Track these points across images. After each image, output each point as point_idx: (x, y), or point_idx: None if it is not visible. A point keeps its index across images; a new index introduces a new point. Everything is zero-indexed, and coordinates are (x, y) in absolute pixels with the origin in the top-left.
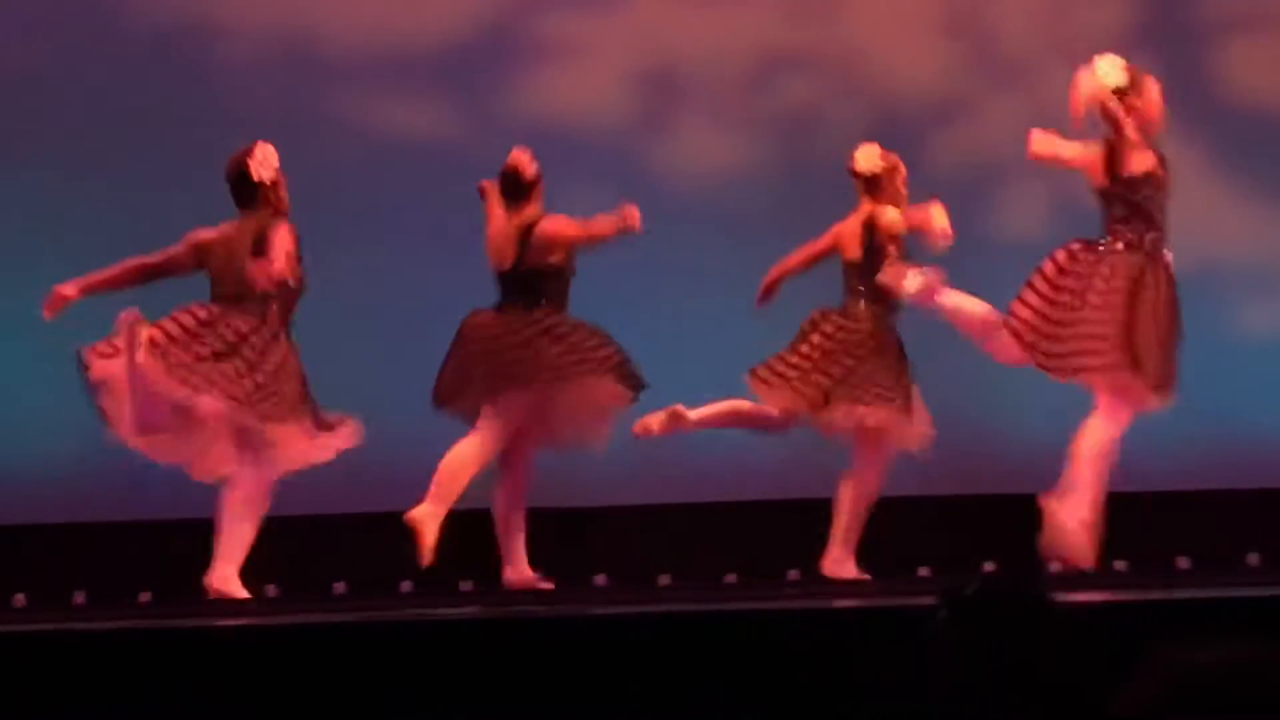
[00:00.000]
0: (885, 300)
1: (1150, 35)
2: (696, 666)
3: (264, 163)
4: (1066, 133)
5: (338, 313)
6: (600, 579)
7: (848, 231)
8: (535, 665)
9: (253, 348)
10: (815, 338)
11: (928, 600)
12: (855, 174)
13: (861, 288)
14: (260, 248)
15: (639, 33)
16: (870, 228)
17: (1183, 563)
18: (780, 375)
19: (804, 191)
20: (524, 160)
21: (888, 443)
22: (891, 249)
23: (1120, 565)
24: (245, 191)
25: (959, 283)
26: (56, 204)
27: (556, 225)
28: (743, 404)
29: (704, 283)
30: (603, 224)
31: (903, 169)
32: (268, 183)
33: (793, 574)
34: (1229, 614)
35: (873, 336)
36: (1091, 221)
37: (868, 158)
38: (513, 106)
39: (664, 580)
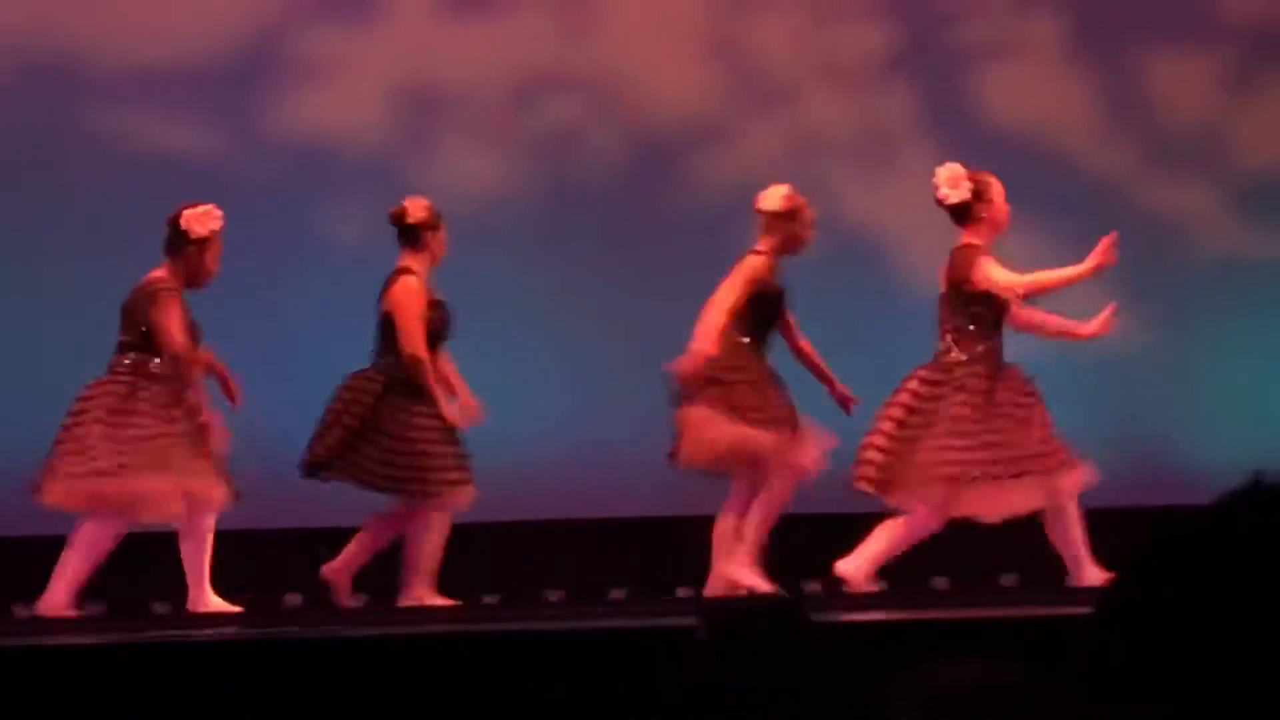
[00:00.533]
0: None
1: (907, 59)
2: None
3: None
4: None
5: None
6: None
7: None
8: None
9: None
10: None
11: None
12: (758, 211)
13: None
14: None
15: (401, 50)
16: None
17: (941, 584)
18: None
19: (566, 212)
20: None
21: (766, 466)
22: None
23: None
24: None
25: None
26: None
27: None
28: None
29: (466, 299)
30: None
31: (807, 211)
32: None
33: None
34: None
35: (743, 368)
36: (852, 243)
37: (771, 198)
38: (275, 123)
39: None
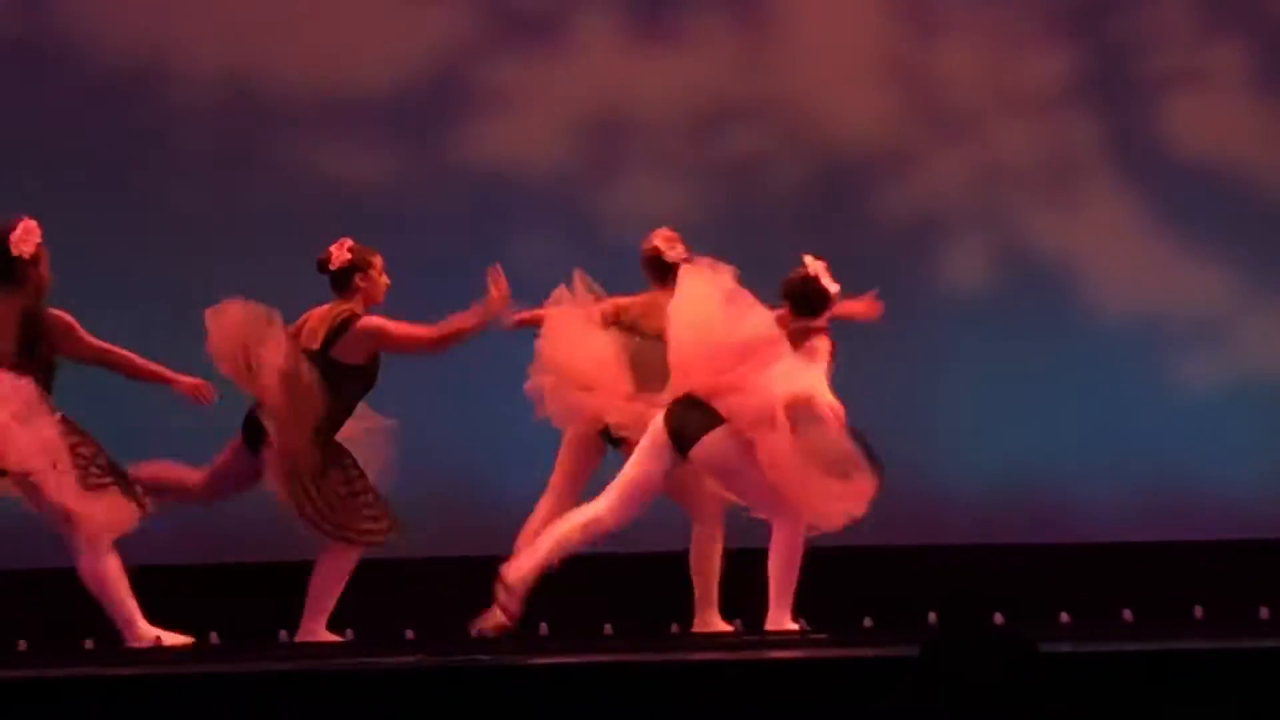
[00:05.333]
0: None
1: (1094, 88)
2: None
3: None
4: None
5: None
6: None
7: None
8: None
9: None
10: None
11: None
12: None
13: None
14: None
15: (586, 80)
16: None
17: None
18: None
19: (748, 240)
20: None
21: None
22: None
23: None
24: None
25: (896, 334)
26: None
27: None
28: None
29: None
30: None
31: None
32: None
33: None
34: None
35: None
36: (1038, 273)
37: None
38: (459, 154)
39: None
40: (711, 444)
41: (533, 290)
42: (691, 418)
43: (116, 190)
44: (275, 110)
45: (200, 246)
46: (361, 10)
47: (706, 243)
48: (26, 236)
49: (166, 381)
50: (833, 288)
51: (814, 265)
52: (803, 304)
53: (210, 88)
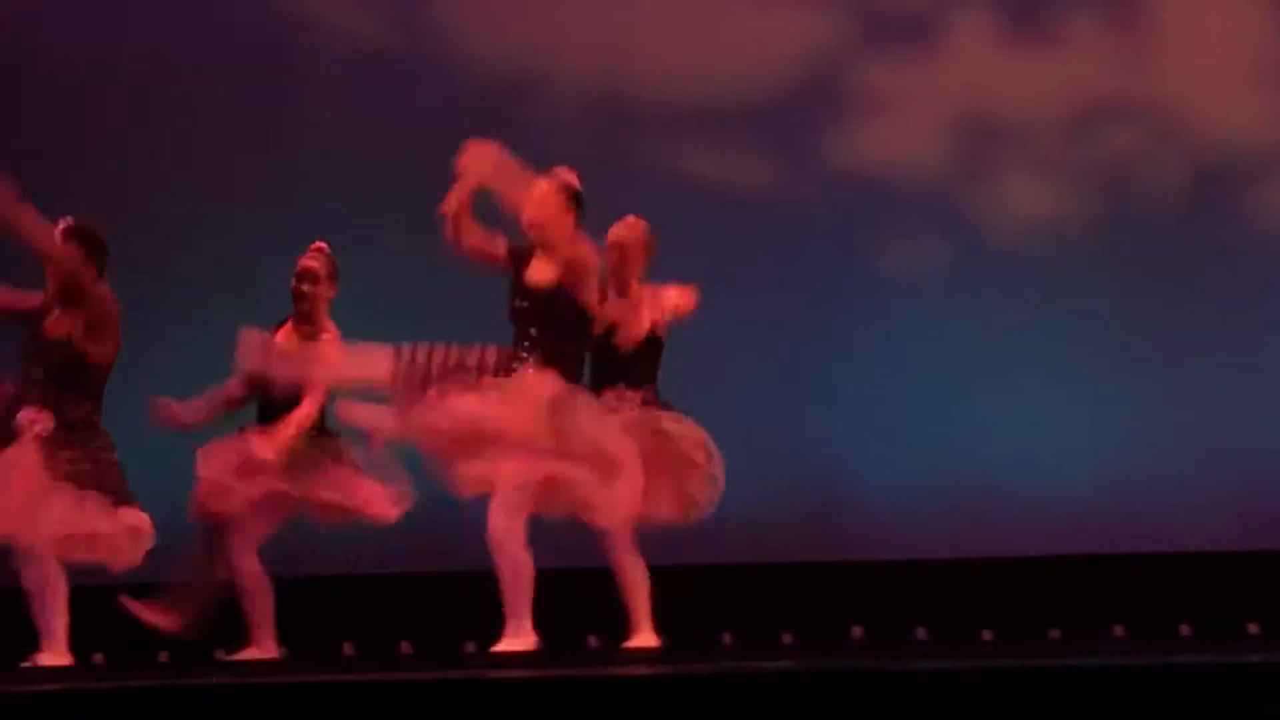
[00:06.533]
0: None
1: None
2: None
3: None
4: None
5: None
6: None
7: None
8: None
9: None
10: None
11: None
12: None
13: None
14: None
15: (960, 81)
16: None
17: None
18: None
19: (1122, 242)
20: None
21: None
22: None
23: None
24: None
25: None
26: (393, 267)
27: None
28: None
29: (1022, 333)
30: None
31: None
32: None
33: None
34: None
35: None
36: None
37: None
38: (832, 158)
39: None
40: None
41: (903, 294)
42: None
43: (483, 200)
44: (647, 117)
45: None
46: (732, 16)
47: (1080, 243)
48: None
49: None
50: None
51: None
52: None
53: (582, 95)
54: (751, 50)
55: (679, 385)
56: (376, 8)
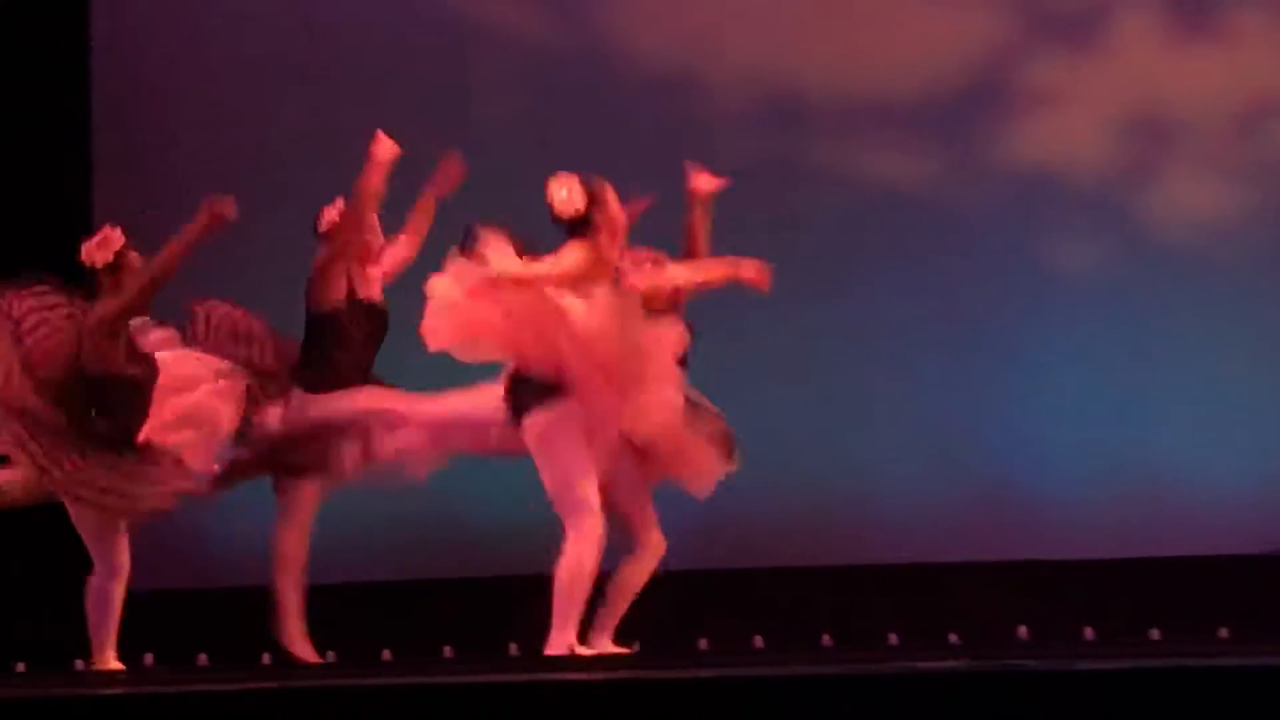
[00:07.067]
0: None
1: None
2: None
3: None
4: None
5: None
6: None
7: None
8: None
9: None
10: None
11: None
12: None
13: None
14: None
15: (1126, 78)
16: None
17: None
18: None
19: None
20: None
21: None
22: None
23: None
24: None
25: None
26: None
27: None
28: None
29: (1186, 334)
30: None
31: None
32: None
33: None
34: None
35: None
36: None
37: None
38: (998, 153)
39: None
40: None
41: (1068, 290)
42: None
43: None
44: (815, 114)
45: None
46: (900, 13)
47: (1247, 242)
48: (104, 245)
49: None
50: None
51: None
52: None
53: (750, 91)
54: (920, 47)
55: (847, 376)
56: (546, 8)
